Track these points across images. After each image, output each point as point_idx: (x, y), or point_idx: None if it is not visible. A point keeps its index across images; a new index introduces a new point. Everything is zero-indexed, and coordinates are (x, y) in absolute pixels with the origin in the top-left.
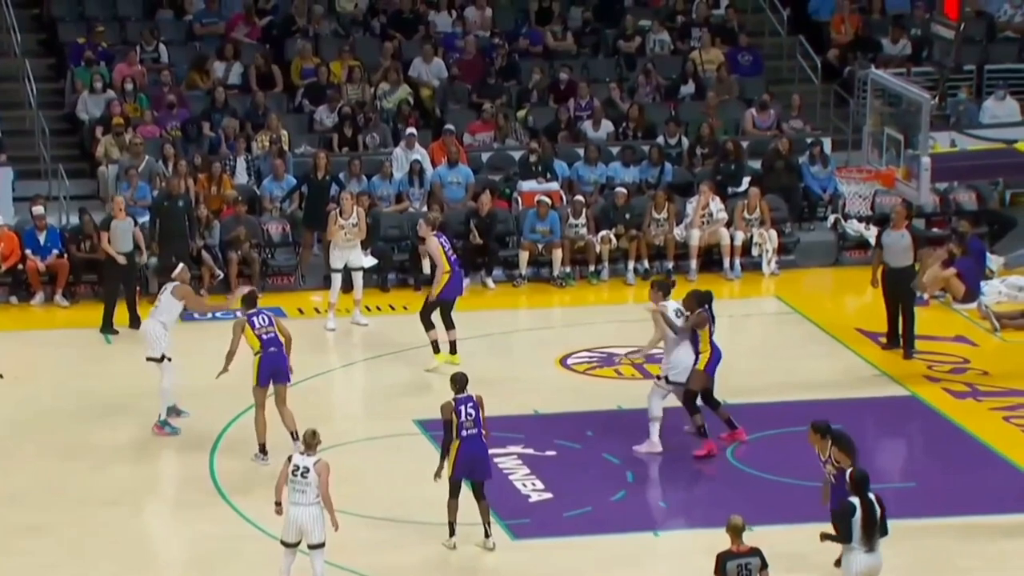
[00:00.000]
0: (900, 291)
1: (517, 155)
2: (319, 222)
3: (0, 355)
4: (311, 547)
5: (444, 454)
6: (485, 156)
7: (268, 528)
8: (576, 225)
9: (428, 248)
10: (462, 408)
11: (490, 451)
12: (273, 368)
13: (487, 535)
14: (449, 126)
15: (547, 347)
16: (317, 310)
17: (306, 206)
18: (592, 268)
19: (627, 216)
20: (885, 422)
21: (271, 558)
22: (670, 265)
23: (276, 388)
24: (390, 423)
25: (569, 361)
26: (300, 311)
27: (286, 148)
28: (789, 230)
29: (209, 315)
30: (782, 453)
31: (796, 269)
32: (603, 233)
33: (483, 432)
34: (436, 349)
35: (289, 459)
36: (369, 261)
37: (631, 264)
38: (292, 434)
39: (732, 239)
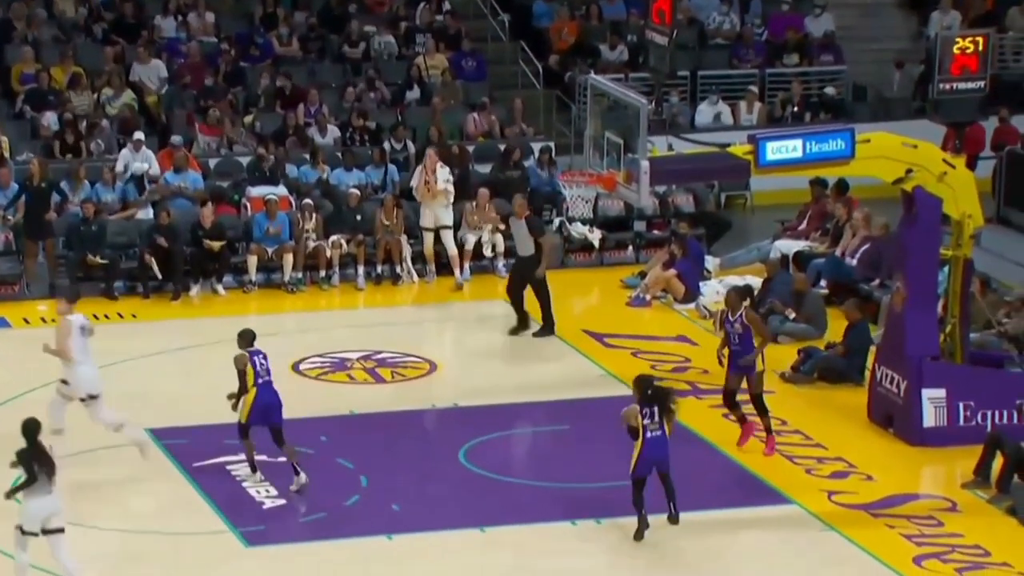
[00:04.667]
0: (527, 278)
1: (245, 160)
2: (40, 230)
3: None
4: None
5: (239, 399)
6: (213, 162)
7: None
8: (308, 231)
9: None
10: (256, 359)
11: (222, 458)
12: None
13: (296, 472)
14: (176, 137)
15: (280, 353)
16: (43, 319)
17: (26, 214)
18: (323, 273)
19: (358, 218)
20: (611, 421)
21: None
22: (399, 270)
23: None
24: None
25: (301, 366)
26: (26, 320)
27: (7, 155)
28: None
29: None
30: (513, 454)
31: None
32: (333, 238)
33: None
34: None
35: None
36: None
37: (360, 268)
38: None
39: (463, 243)
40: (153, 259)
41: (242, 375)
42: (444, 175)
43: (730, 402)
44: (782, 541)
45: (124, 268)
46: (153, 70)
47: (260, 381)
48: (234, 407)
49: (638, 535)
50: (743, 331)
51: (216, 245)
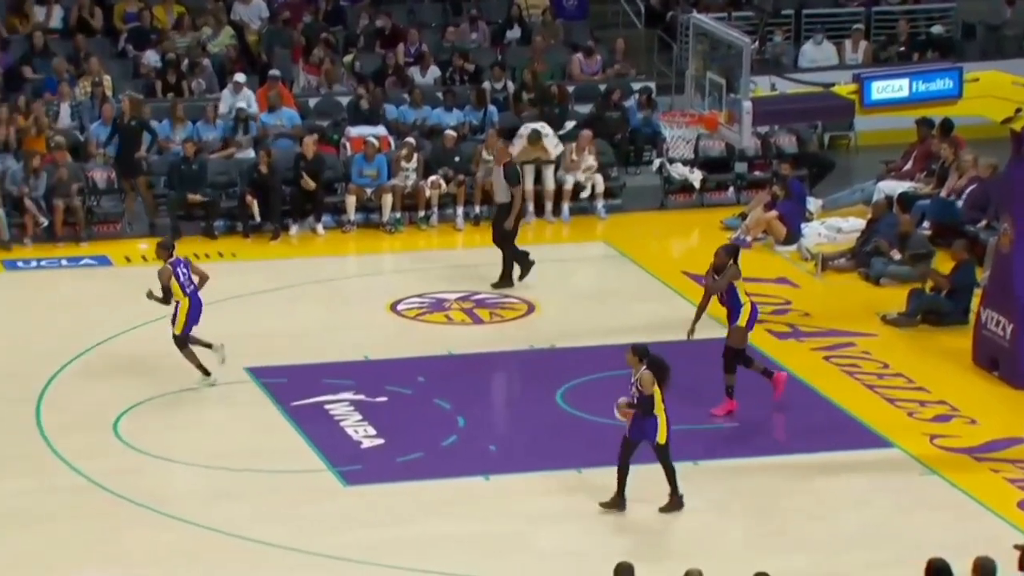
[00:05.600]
0: (498, 226)
1: (345, 101)
2: (130, 168)
3: None
4: None
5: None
6: (313, 101)
7: (100, 481)
8: (407, 169)
9: None
10: (178, 270)
11: (320, 397)
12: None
13: (207, 374)
14: (275, 71)
15: (377, 293)
16: (144, 258)
17: (117, 152)
18: (421, 213)
19: (456, 159)
20: (710, 363)
21: (102, 509)
22: None
23: None
24: (220, 371)
25: (399, 307)
26: (127, 259)
27: (109, 93)
28: (616, 174)
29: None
30: (611, 396)
31: (623, 213)
32: (432, 178)
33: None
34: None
35: None
36: None
37: (460, 208)
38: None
39: (562, 183)
40: (254, 200)
41: (167, 289)
42: (553, 142)
43: (743, 359)
44: (883, 484)
45: (224, 207)
46: (254, 9)
47: (188, 290)
48: (165, 301)
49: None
50: (728, 287)
51: (311, 184)
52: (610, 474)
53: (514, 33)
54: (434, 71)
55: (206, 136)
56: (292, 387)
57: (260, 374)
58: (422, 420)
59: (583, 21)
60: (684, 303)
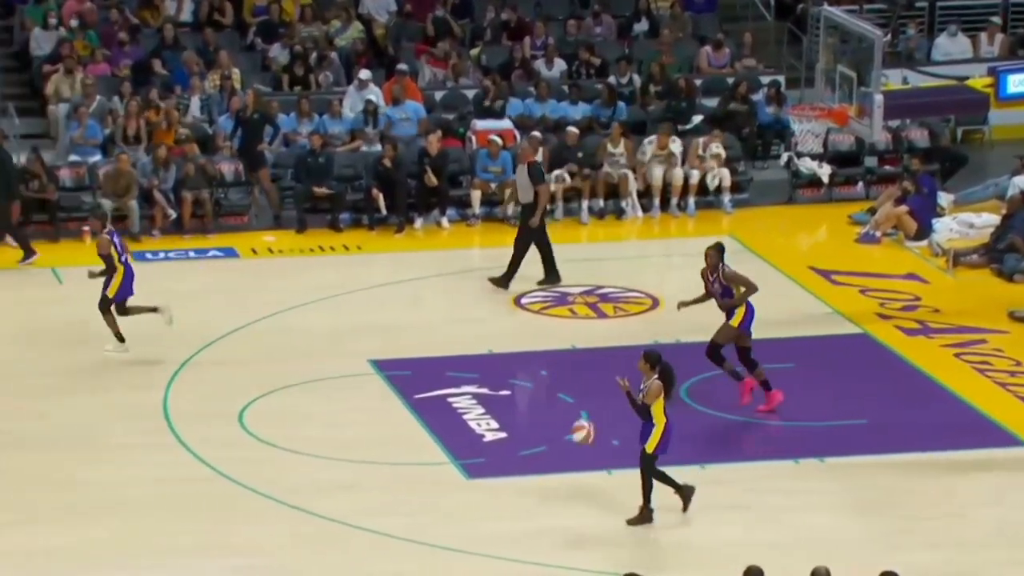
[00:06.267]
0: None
1: (471, 93)
2: (252, 160)
3: None
4: None
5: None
6: (439, 94)
7: (223, 469)
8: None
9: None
10: (115, 239)
11: (444, 390)
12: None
13: (122, 340)
14: (402, 66)
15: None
16: (270, 250)
17: (240, 145)
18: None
19: (580, 155)
20: (837, 360)
21: (225, 499)
22: (624, 204)
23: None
24: (344, 363)
25: (523, 300)
26: (253, 251)
27: (237, 86)
28: (743, 168)
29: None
30: (736, 392)
31: (750, 207)
32: (557, 172)
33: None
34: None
35: None
36: None
37: (585, 203)
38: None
39: (687, 177)
40: (380, 193)
41: (108, 258)
42: (678, 146)
43: (744, 358)
44: (1016, 482)
45: (350, 200)
46: (381, 3)
47: (124, 259)
48: (108, 270)
49: (686, 504)
50: (722, 289)
51: (433, 180)
52: (734, 470)
53: (641, 26)
54: (560, 65)
55: (332, 129)
56: (416, 380)
57: (384, 367)
58: (545, 414)
59: (712, 14)
60: (810, 298)
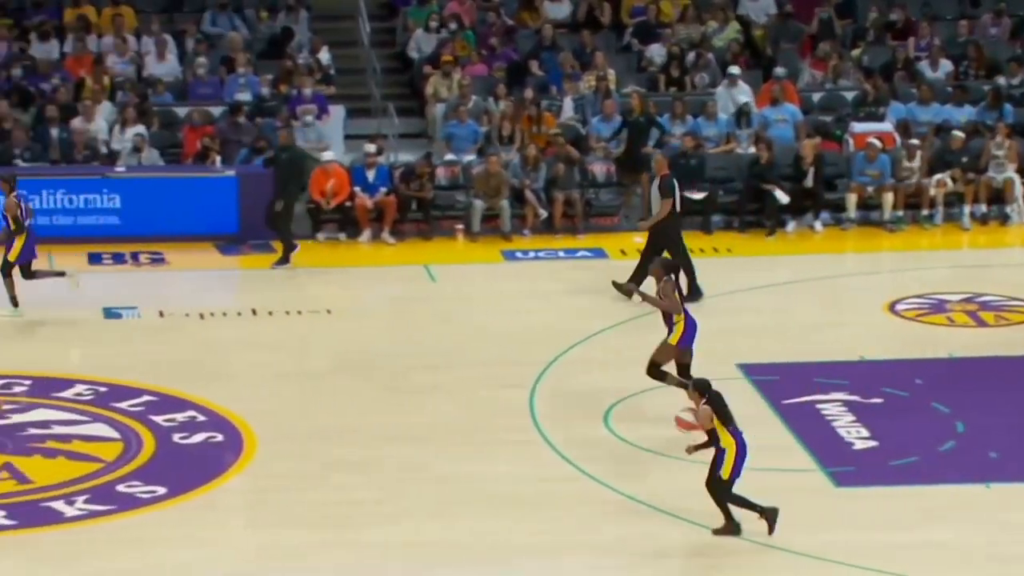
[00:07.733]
0: (657, 240)
1: (850, 95)
2: (635, 164)
3: (327, 290)
4: None
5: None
6: (817, 96)
7: (587, 469)
8: (910, 168)
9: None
10: (23, 203)
11: (812, 396)
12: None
13: (16, 305)
14: (780, 69)
15: (875, 292)
16: (639, 251)
17: (625, 148)
18: (925, 212)
19: (963, 159)
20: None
21: (587, 499)
22: (1009, 209)
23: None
24: (711, 366)
25: (898, 307)
26: (623, 252)
27: (612, 88)
28: None
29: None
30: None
31: None
32: (938, 176)
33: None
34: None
35: None
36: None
37: (967, 208)
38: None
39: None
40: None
41: (16, 220)
42: None
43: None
44: None
45: (721, 202)
46: (761, 5)
47: (28, 223)
48: (18, 231)
49: (772, 527)
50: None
51: (783, 197)
52: None
53: None
54: (945, 66)
55: (706, 131)
56: (783, 385)
57: (751, 371)
58: (918, 424)
59: None
60: None
